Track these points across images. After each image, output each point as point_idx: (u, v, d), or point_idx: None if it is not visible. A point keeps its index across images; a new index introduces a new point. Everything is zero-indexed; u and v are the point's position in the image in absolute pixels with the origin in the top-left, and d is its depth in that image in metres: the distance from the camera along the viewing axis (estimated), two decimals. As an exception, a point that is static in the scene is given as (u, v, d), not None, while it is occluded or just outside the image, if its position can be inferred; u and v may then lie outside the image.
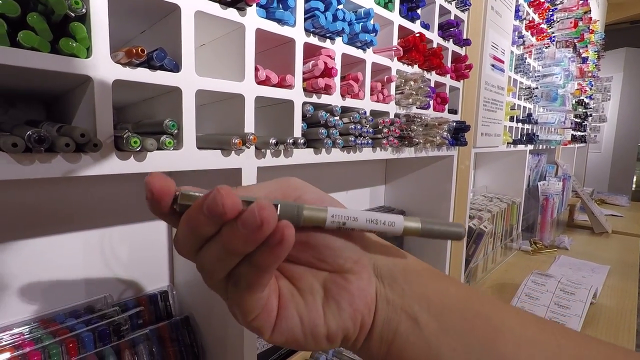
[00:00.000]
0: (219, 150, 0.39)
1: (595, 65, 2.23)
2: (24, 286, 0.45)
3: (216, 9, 0.37)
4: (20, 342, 0.41)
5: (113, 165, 0.32)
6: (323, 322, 0.22)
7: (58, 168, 0.29)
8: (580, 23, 1.57)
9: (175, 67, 0.35)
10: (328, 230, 0.22)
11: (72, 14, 0.28)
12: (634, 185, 4.08)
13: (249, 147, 0.42)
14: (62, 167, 0.29)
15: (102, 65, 0.30)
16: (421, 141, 0.67)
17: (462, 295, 0.23)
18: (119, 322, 0.47)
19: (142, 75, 0.33)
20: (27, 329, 0.43)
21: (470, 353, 0.20)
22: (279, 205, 0.20)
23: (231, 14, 0.39)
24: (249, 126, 0.42)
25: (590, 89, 2.22)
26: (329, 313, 0.22)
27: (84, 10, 0.28)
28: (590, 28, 1.86)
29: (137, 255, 0.55)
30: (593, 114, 2.65)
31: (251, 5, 0.39)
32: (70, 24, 0.28)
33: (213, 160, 0.39)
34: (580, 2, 1.52)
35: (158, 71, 0.34)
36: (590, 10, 1.75)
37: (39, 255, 0.46)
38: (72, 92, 0.35)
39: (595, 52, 2.18)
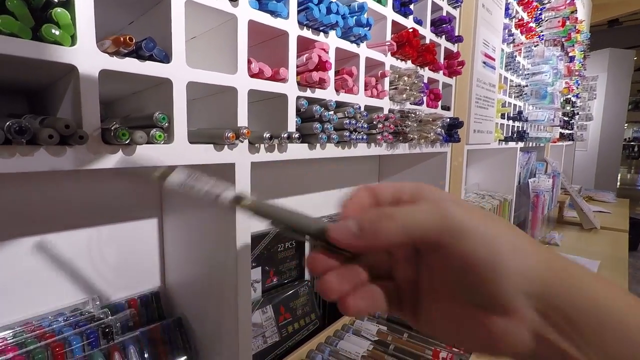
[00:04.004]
0: (212, 145, 0.38)
1: (582, 64, 2.26)
2: (7, 288, 0.43)
3: (207, -1, 0.36)
4: (3, 347, 0.39)
5: (100, 160, 0.30)
6: None
7: (41, 162, 0.27)
8: (567, 22, 1.59)
9: (165, 58, 0.34)
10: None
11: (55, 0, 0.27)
12: (618, 183, 4.16)
13: (242, 141, 0.40)
14: (46, 160, 0.27)
15: (87, 53, 0.29)
16: (415, 137, 0.67)
17: None
18: (109, 325, 0.45)
19: (131, 65, 0.31)
20: (11, 334, 0.41)
21: None
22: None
23: (223, 4, 0.37)
24: (242, 121, 0.41)
25: (577, 88, 2.26)
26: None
27: (68, -5, 0.27)
28: (576, 28, 1.89)
29: (127, 255, 0.53)
30: (580, 113, 2.70)
31: (243, -4, 0.38)
32: (52, 10, 0.26)
33: (205, 155, 0.38)
34: (567, 1, 1.54)
35: (147, 61, 0.32)
36: (576, 10, 1.78)
37: (23, 256, 0.44)
38: (56, 83, 0.34)
39: (581, 51, 2.22)
